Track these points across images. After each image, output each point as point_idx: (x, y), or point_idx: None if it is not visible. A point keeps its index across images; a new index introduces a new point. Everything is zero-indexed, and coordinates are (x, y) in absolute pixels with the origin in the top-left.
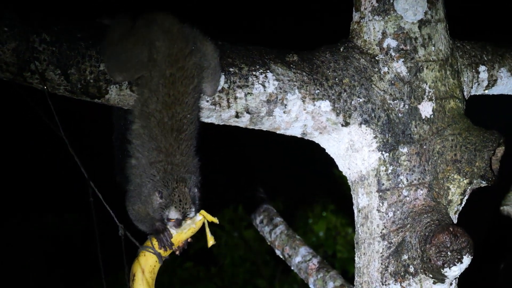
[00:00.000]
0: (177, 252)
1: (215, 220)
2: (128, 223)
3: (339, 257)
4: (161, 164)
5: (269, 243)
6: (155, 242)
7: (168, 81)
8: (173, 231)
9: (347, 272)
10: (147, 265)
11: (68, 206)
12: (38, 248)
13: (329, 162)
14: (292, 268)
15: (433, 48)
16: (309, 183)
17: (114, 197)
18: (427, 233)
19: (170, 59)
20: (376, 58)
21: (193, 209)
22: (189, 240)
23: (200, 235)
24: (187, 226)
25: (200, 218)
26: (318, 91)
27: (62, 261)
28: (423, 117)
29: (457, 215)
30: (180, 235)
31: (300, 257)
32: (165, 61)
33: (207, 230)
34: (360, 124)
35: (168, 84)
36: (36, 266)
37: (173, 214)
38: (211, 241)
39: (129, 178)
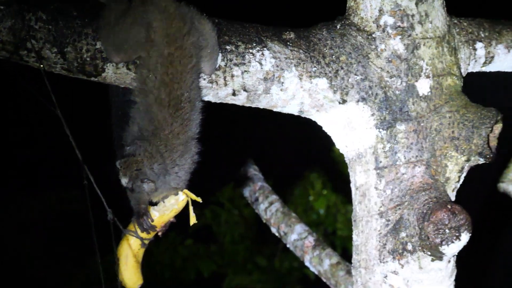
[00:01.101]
0: (160, 233)
1: (198, 199)
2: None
3: (339, 235)
4: (147, 132)
5: (264, 221)
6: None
7: (167, 60)
8: (155, 213)
9: (347, 249)
10: (130, 248)
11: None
12: (40, 226)
13: (329, 140)
14: (287, 246)
15: (430, 25)
16: (309, 161)
17: (109, 179)
18: (425, 211)
19: (168, 39)
20: (373, 35)
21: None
22: (172, 220)
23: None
24: (170, 206)
25: (183, 197)
26: (315, 68)
27: (61, 240)
28: (421, 95)
29: (455, 192)
30: (162, 217)
31: (296, 235)
32: (163, 41)
33: (191, 208)
34: (357, 101)
35: (167, 63)
36: (40, 244)
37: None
38: (193, 220)
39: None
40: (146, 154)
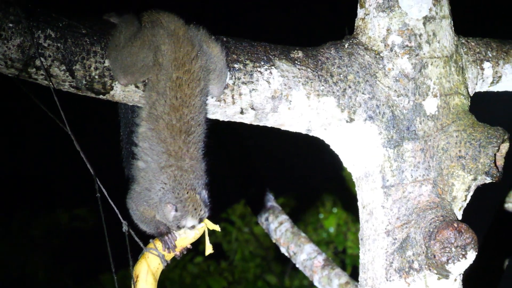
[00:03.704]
0: (178, 257)
1: (217, 228)
2: (134, 223)
3: (350, 253)
4: (171, 170)
5: (274, 241)
6: (158, 244)
7: (175, 84)
8: (176, 235)
9: (358, 268)
10: (150, 266)
11: (78, 202)
12: (47, 243)
13: (339, 158)
14: (297, 265)
15: (437, 44)
16: (320, 179)
17: (120, 193)
18: (431, 229)
19: (177, 62)
20: (381, 54)
21: (207, 212)
22: (189, 246)
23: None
24: (191, 232)
25: (203, 225)
26: (323, 87)
27: (72, 256)
28: (428, 114)
29: (461, 211)
30: (183, 240)
31: (305, 255)
32: (171, 64)
33: (207, 238)
34: (365, 120)
35: (175, 87)
36: (46, 261)
37: (190, 222)
38: (209, 249)
39: (135, 179)
40: (192, 192)
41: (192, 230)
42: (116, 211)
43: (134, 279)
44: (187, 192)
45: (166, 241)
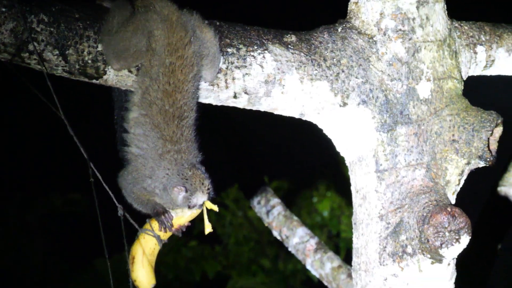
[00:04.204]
0: (177, 233)
1: (215, 208)
2: (127, 203)
3: (344, 237)
4: (170, 155)
5: (266, 225)
6: (154, 225)
7: (168, 69)
8: (173, 214)
9: (351, 251)
10: (146, 247)
11: (73, 186)
12: (42, 228)
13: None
14: (289, 249)
15: (431, 28)
16: (313, 163)
17: (114, 177)
18: (425, 214)
19: (170, 48)
20: (374, 38)
21: (212, 186)
22: (187, 224)
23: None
24: (188, 211)
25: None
26: (316, 71)
27: (67, 241)
28: (421, 98)
29: (455, 196)
30: (179, 219)
31: (298, 238)
32: (164, 50)
33: (205, 217)
34: (358, 104)
35: (168, 72)
36: (41, 246)
37: (200, 199)
38: (208, 228)
39: (130, 164)
40: (194, 168)
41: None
42: (111, 195)
43: (130, 261)
44: (190, 170)
45: (162, 220)
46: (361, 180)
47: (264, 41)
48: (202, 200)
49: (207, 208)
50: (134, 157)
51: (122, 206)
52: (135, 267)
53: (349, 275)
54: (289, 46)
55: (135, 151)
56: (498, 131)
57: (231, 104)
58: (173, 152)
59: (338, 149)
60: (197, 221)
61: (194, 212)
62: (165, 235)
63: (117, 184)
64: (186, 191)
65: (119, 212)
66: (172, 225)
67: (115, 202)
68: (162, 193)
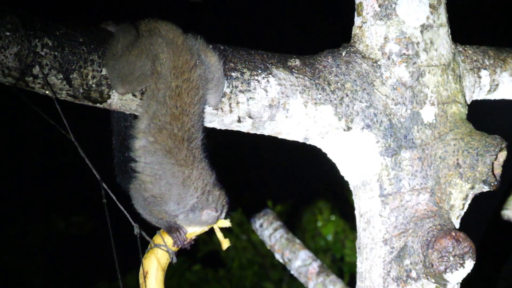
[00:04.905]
0: (188, 248)
1: (227, 224)
2: (141, 223)
3: (348, 260)
4: (191, 180)
5: (269, 247)
6: (166, 239)
7: (175, 93)
8: (185, 229)
9: (355, 276)
10: (160, 262)
11: (75, 208)
12: (45, 251)
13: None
14: (292, 272)
15: (435, 52)
16: (318, 187)
17: (125, 197)
18: (429, 238)
19: (176, 71)
20: (378, 62)
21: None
22: (195, 237)
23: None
24: (200, 227)
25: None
26: (320, 95)
27: (69, 263)
28: (425, 122)
29: (459, 220)
30: (191, 235)
31: (300, 261)
32: (170, 73)
33: (220, 234)
34: (362, 129)
35: (175, 96)
36: (43, 268)
37: (223, 215)
38: (226, 243)
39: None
40: (215, 188)
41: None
42: (127, 215)
43: (142, 276)
44: (215, 190)
45: (177, 237)
46: (365, 204)
47: (268, 65)
48: (223, 216)
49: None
50: (150, 185)
51: (138, 225)
52: (148, 282)
53: None
54: (293, 70)
55: (149, 179)
56: (503, 155)
57: (235, 128)
58: (194, 176)
59: (342, 173)
60: (201, 244)
61: (205, 228)
62: (174, 249)
63: (127, 203)
64: (216, 211)
65: (135, 231)
66: (185, 241)
67: (131, 221)
68: (188, 214)
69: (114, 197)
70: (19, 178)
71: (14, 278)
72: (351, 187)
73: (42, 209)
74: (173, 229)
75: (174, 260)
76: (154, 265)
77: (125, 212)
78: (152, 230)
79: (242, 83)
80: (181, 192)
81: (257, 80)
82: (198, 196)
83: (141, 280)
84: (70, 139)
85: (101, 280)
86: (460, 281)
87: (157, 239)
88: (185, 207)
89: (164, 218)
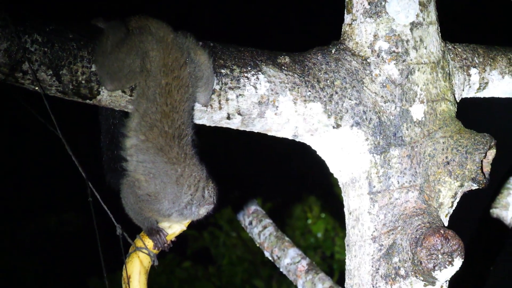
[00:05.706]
0: (166, 249)
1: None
2: (126, 222)
3: (337, 258)
4: (184, 178)
5: (258, 245)
6: (147, 242)
7: (165, 90)
8: (166, 231)
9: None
10: (142, 266)
11: (67, 206)
12: (36, 248)
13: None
14: (281, 270)
15: (424, 50)
16: (308, 185)
17: (111, 196)
18: (418, 236)
19: (165, 68)
20: (368, 60)
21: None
22: (174, 239)
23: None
24: (179, 227)
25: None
26: (310, 93)
27: (60, 260)
28: (415, 120)
29: (448, 218)
30: (170, 236)
31: (289, 259)
32: (160, 71)
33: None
34: (352, 126)
35: (165, 93)
36: (34, 265)
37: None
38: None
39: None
40: (209, 181)
41: (180, 224)
42: (109, 214)
43: (125, 280)
44: (210, 184)
45: (158, 240)
46: (354, 202)
47: (257, 62)
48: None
49: None
50: (145, 184)
51: (121, 226)
52: (131, 285)
53: None
54: (283, 67)
55: (143, 178)
56: (492, 153)
57: (225, 125)
58: (187, 174)
59: (331, 170)
60: (191, 241)
61: (183, 228)
62: (156, 251)
63: (113, 203)
64: (214, 205)
65: (117, 231)
66: (165, 243)
67: (114, 221)
68: (182, 212)
69: (98, 196)
70: (9, 175)
71: (5, 274)
72: (340, 184)
73: (33, 206)
74: (153, 231)
75: (156, 262)
76: (137, 269)
77: (109, 212)
78: (135, 230)
79: (231, 80)
80: (176, 191)
81: (246, 77)
82: (192, 193)
83: (124, 286)
84: (58, 135)
85: (92, 276)
86: (449, 279)
87: (138, 242)
88: (180, 205)
89: (153, 216)
